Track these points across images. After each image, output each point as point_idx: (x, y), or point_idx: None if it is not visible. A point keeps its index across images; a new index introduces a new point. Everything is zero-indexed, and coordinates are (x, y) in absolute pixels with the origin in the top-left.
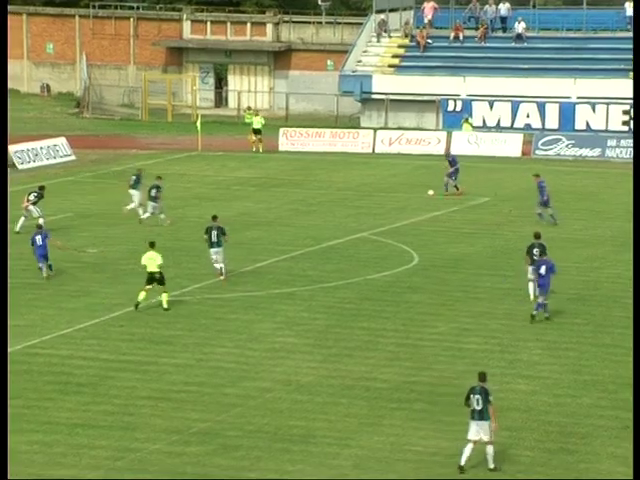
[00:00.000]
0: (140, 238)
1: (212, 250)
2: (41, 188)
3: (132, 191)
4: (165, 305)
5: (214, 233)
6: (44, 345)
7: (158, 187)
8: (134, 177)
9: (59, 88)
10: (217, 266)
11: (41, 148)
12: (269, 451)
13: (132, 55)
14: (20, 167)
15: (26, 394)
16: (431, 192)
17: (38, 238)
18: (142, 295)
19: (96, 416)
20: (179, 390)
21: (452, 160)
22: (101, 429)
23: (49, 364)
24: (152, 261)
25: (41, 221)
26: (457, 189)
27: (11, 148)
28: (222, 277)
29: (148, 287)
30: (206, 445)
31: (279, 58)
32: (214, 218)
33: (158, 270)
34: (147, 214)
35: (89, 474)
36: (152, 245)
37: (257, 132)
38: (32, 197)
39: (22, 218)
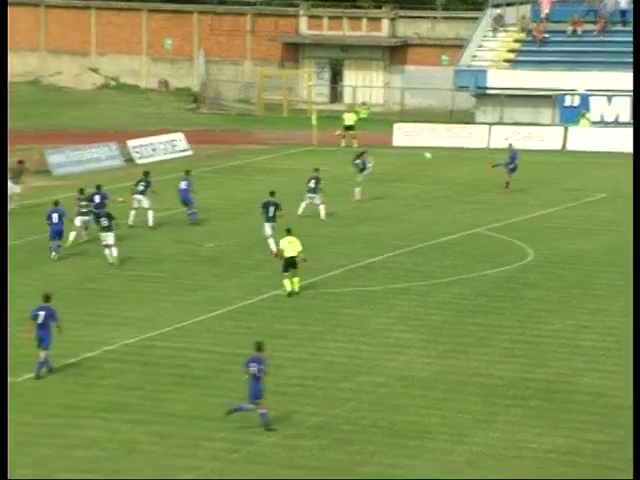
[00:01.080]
0: (254, 232)
1: (267, 224)
2: (146, 174)
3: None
4: (296, 289)
5: (271, 209)
6: (162, 338)
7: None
8: (142, 183)
9: (177, 84)
10: (271, 243)
11: (159, 143)
12: (383, 446)
13: (249, 51)
14: (138, 162)
15: (145, 386)
16: (428, 155)
17: (55, 216)
18: (287, 283)
19: (212, 408)
20: (294, 384)
21: (513, 156)
22: (217, 421)
23: (167, 356)
24: (292, 245)
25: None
26: (507, 185)
27: (130, 143)
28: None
29: (287, 273)
30: (320, 439)
31: (394, 53)
32: (272, 194)
33: (297, 255)
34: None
35: (206, 465)
36: (289, 231)
37: (349, 128)
38: (140, 187)
39: (132, 212)
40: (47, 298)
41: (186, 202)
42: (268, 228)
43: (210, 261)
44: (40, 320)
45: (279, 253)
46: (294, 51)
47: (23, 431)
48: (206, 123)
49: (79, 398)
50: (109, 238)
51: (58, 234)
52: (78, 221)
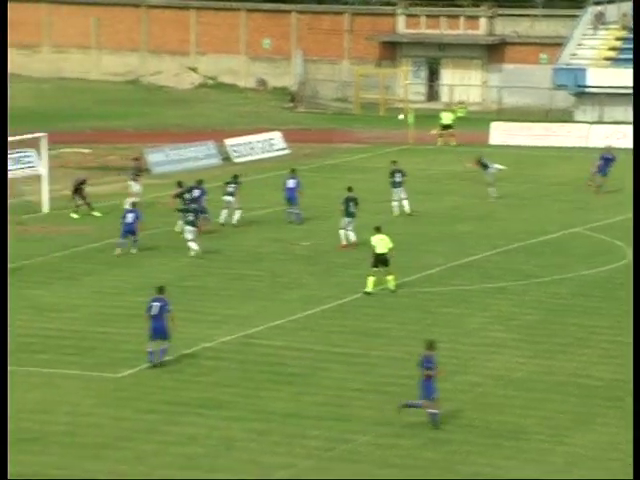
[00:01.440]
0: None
1: (346, 219)
2: (236, 177)
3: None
4: (392, 287)
5: (351, 204)
6: (259, 335)
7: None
8: (232, 185)
9: (274, 83)
10: (349, 234)
11: (257, 142)
12: (480, 446)
13: (346, 50)
14: (236, 160)
15: (242, 383)
16: (401, 116)
17: (130, 216)
18: (371, 281)
19: (308, 406)
20: (389, 383)
21: (607, 157)
22: (313, 419)
23: (263, 354)
24: (383, 242)
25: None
26: (592, 183)
27: (227, 142)
28: (349, 244)
29: (375, 270)
30: (416, 439)
31: (492, 51)
32: (349, 189)
33: (387, 251)
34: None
35: (301, 463)
36: (378, 229)
37: (447, 127)
38: (231, 188)
39: (224, 210)
40: (161, 290)
41: (291, 201)
42: (346, 224)
43: (306, 260)
44: (154, 312)
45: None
46: (391, 50)
47: (123, 426)
48: (303, 122)
49: (177, 395)
50: (189, 233)
51: (130, 232)
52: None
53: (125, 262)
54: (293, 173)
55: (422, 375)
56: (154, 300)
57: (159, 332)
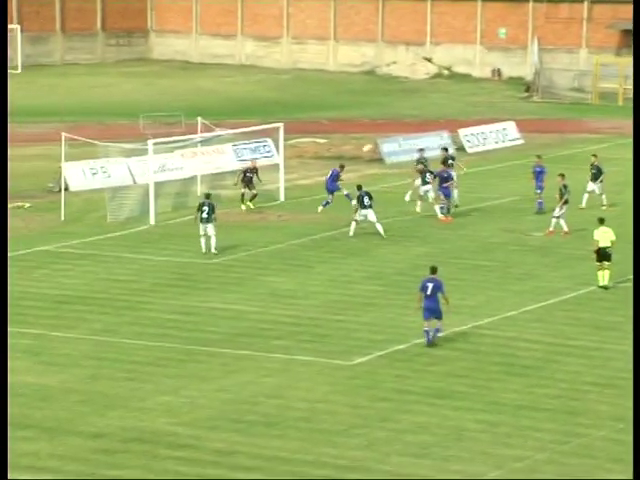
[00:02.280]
0: (583, 222)
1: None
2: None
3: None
4: (606, 283)
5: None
6: (490, 326)
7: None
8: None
9: (510, 72)
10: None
11: (490, 132)
12: None
13: (584, 38)
14: (469, 150)
15: (473, 374)
16: (366, 148)
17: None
18: (601, 275)
19: (541, 399)
20: (624, 377)
21: None
22: (546, 412)
23: (495, 345)
24: (606, 235)
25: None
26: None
27: (461, 132)
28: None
29: (599, 264)
30: None
31: None
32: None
33: (610, 245)
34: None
35: (534, 456)
36: (601, 221)
37: None
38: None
39: (419, 202)
40: (434, 270)
41: (539, 187)
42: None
43: (540, 250)
44: (429, 292)
45: (594, 243)
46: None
47: (356, 413)
48: (538, 112)
49: (409, 383)
50: (370, 215)
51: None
52: (421, 190)
53: (359, 251)
54: (539, 159)
55: None
56: (428, 280)
57: (433, 312)
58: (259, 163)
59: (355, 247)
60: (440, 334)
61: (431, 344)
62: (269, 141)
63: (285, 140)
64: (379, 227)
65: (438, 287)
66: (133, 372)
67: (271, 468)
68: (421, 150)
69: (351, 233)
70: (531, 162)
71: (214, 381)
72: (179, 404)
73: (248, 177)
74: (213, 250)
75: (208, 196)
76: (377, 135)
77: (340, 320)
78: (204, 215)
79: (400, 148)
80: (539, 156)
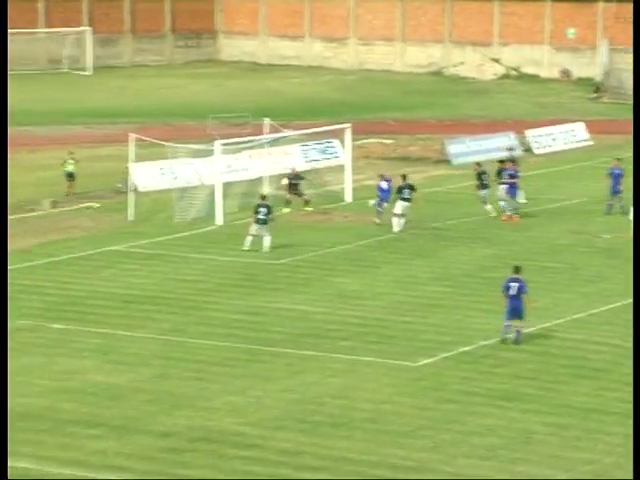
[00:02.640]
0: None
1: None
2: (404, 177)
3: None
4: None
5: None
6: (558, 328)
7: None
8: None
9: (579, 73)
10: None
11: (559, 133)
12: None
13: None
14: (537, 152)
15: (541, 376)
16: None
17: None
18: None
19: (610, 402)
20: None
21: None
22: (615, 415)
23: (563, 347)
24: None
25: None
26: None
27: (528, 133)
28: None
29: None
30: None
31: None
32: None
33: None
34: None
35: (603, 459)
36: None
37: None
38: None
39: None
40: (517, 270)
41: (615, 192)
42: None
43: (607, 252)
44: (513, 292)
45: None
46: None
47: (423, 415)
48: (607, 113)
49: (475, 385)
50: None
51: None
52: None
53: (424, 252)
54: (618, 161)
55: None
56: (512, 280)
57: (516, 312)
58: (325, 163)
59: (421, 248)
60: (521, 336)
61: (518, 342)
62: (336, 142)
63: (352, 141)
64: (395, 221)
65: (522, 287)
66: (200, 372)
67: (337, 468)
68: (510, 150)
69: (396, 229)
70: (602, 163)
71: (280, 381)
72: (245, 404)
73: (293, 184)
74: (265, 249)
75: (264, 197)
76: (444, 136)
77: (406, 321)
78: (260, 217)
79: (467, 149)
80: (619, 159)
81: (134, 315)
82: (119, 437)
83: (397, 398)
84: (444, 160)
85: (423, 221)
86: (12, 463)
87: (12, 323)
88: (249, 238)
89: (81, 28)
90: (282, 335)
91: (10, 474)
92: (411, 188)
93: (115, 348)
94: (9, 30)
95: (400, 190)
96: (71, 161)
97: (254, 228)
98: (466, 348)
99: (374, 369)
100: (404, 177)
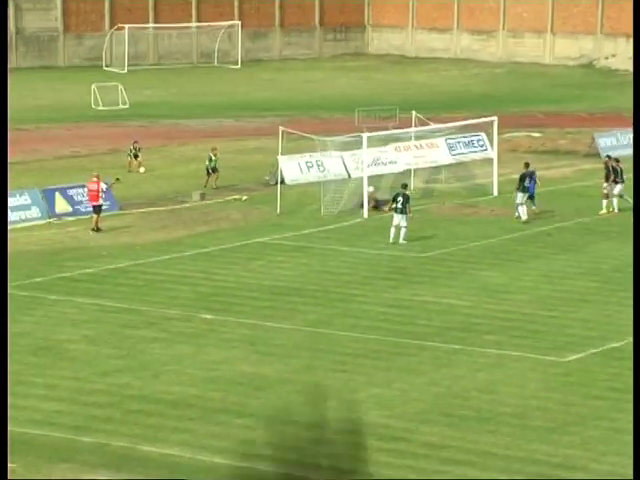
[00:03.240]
0: None
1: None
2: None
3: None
4: None
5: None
6: None
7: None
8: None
9: None
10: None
11: None
12: None
13: None
14: None
15: None
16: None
17: (400, 199)
18: None
19: None
20: None
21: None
22: None
23: None
24: None
25: None
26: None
27: None
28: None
29: None
30: None
31: None
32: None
33: None
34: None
35: None
36: None
37: None
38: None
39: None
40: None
41: None
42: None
43: None
44: None
45: None
46: None
47: (570, 411)
48: None
49: (624, 382)
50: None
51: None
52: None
53: (573, 246)
54: None
55: None
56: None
57: None
58: (471, 156)
59: (569, 242)
60: None
61: None
62: (483, 135)
63: (499, 134)
64: (521, 210)
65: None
66: (345, 364)
67: (482, 463)
68: None
69: (524, 217)
70: None
71: (425, 374)
72: (390, 397)
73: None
74: (402, 241)
75: (405, 186)
76: (594, 129)
77: (553, 316)
78: (399, 206)
79: (618, 142)
80: None
81: (281, 307)
82: (267, 427)
83: (544, 394)
84: (594, 154)
85: (572, 215)
86: (163, 450)
87: (163, 312)
88: (392, 230)
89: (231, 22)
90: (428, 328)
91: (162, 461)
92: (405, 198)
93: (262, 339)
94: (162, 24)
95: (395, 199)
96: (213, 158)
97: (395, 219)
98: (615, 344)
99: (520, 364)
100: (527, 165)
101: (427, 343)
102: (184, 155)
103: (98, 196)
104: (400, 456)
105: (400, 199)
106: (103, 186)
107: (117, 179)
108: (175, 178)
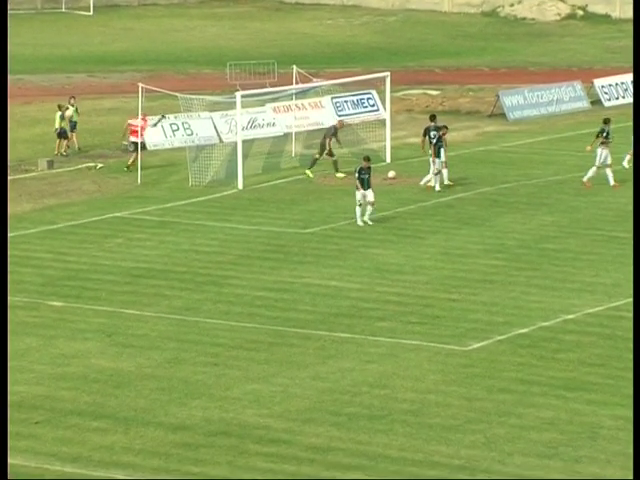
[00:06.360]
0: None
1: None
2: (606, 122)
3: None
4: None
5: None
6: (629, 307)
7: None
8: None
9: None
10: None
11: (632, 82)
12: None
13: None
14: (607, 104)
15: (609, 362)
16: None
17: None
18: None
19: None
20: None
21: None
22: None
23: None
24: None
25: None
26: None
27: (597, 82)
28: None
29: None
30: None
31: None
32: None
33: None
34: None
35: None
36: None
37: None
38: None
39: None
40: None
41: None
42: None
43: None
44: None
45: None
46: None
47: (473, 407)
48: None
49: (534, 373)
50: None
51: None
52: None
53: (476, 220)
54: None
55: None
56: None
57: None
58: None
59: (472, 215)
60: None
61: None
62: (374, 93)
63: (392, 92)
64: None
65: None
66: (217, 356)
67: (374, 467)
68: None
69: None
70: None
71: (309, 368)
72: (269, 393)
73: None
74: (368, 219)
75: (368, 159)
76: (498, 86)
77: (454, 299)
78: (363, 179)
79: (525, 102)
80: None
81: (142, 291)
82: (126, 430)
83: (444, 387)
84: (499, 114)
85: (474, 184)
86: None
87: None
88: (358, 209)
89: None
90: (312, 315)
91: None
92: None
93: (121, 329)
94: None
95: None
96: (71, 108)
97: (359, 195)
98: (523, 330)
99: (417, 354)
100: (432, 118)
101: (311, 332)
102: (28, 116)
103: None
104: (281, 461)
105: (364, 172)
106: None
107: (163, 116)
108: (17, 143)
